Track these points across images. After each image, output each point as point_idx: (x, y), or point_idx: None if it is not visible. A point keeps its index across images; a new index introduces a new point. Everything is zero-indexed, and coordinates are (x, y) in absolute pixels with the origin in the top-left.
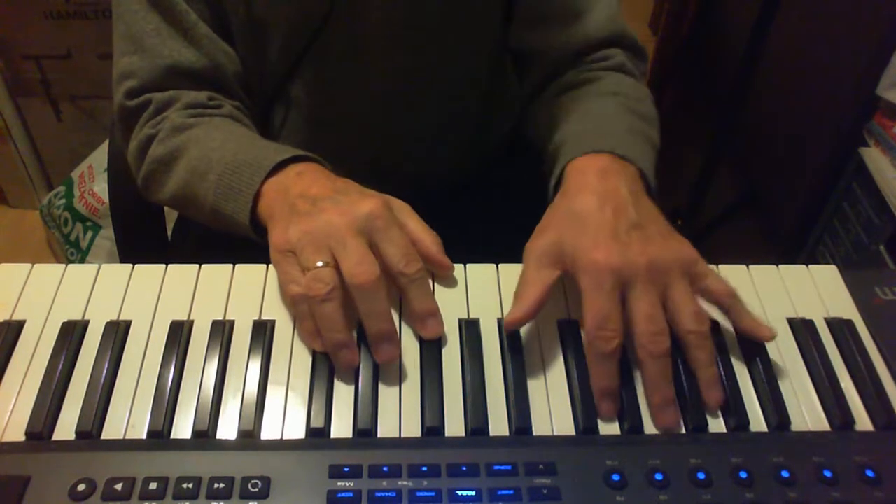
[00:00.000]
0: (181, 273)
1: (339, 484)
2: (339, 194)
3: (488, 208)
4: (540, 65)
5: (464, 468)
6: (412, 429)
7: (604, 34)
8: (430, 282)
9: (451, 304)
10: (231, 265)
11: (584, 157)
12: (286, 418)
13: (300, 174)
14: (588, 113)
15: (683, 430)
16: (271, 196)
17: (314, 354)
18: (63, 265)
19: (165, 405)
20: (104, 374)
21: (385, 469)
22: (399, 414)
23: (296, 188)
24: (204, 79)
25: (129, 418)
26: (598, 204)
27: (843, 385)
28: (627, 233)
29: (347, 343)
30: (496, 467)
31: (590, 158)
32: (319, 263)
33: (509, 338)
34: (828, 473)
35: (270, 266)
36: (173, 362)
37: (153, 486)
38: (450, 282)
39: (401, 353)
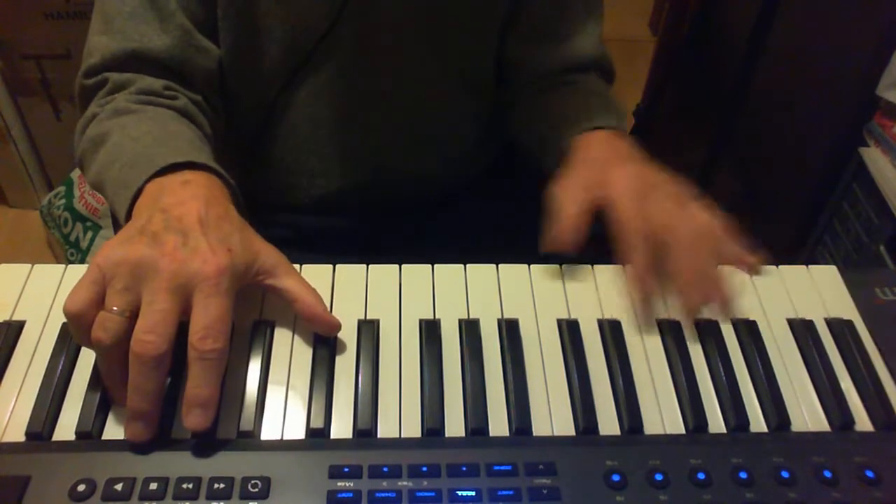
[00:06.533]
0: None
1: (339, 484)
2: (196, 233)
3: (489, 210)
4: (525, 75)
5: (464, 468)
6: (412, 429)
7: (591, 57)
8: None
9: (451, 304)
10: None
11: (592, 132)
12: (286, 418)
13: (186, 183)
14: (583, 98)
15: (683, 430)
16: (146, 197)
17: (314, 354)
18: (63, 265)
19: (165, 405)
20: None
21: (385, 469)
22: (399, 414)
23: (169, 198)
24: (168, 69)
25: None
26: (617, 155)
27: (843, 385)
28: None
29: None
30: (496, 467)
31: (597, 132)
32: (115, 309)
33: (509, 338)
34: (828, 474)
35: None
36: (173, 363)
37: (153, 486)
38: (450, 282)
39: (401, 352)
